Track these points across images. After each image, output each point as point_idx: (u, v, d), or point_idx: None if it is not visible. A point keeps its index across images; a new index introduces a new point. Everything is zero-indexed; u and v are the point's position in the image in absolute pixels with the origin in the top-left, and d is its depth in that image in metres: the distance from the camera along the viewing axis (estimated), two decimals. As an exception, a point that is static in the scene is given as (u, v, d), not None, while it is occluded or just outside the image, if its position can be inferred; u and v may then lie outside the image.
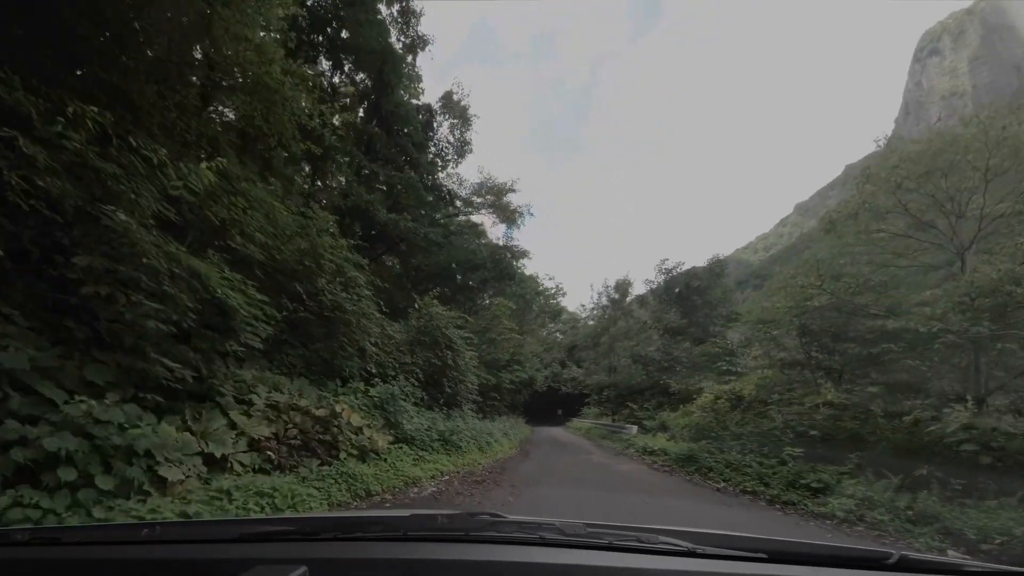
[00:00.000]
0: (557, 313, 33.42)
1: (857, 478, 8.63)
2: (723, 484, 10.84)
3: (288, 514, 5.11)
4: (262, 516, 4.72)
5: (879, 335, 12.38)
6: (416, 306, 13.31)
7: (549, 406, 37.43)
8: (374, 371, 10.36)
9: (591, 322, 39.55)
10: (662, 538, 1.25)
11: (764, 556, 1.21)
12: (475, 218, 25.24)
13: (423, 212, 21.60)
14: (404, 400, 10.22)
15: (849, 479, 8.54)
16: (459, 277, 21.08)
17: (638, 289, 36.75)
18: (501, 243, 25.05)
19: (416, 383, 11.32)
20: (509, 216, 24.26)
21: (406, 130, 21.12)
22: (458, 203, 25.06)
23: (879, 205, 12.84)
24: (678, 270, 30.94)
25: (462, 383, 13.57)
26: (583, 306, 48.30)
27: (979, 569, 1.31)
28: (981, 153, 10.49)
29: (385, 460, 8.34)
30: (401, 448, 9.20)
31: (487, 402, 18.73)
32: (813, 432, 10.71)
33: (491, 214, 24.87)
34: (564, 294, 34.57)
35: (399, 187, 21.09)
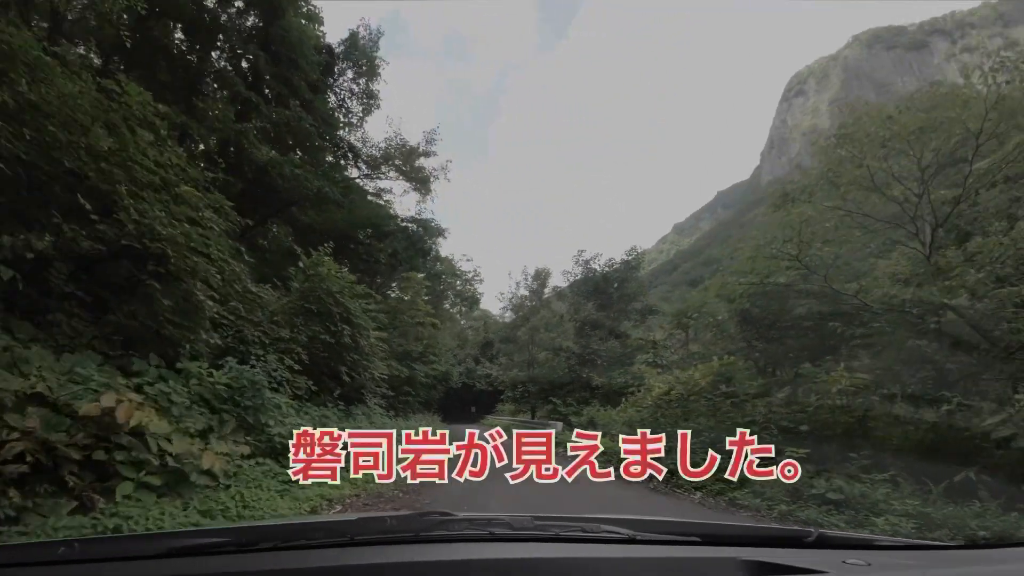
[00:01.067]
0: (474, 301, 30.46)
1: (876, 485, 6.80)
2: (699, 494, 8.70)
3: None
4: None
5: (847, 316, 11.16)
6: (300, 264, 9.66)
7: (463, 403, 34.77)
8: (220, 343, 6.71)
9: (508, 312, 37.35)
10: (604, 527, 1.31)
11: (697, 539, 1.28)
12: (383, 184, 21.53)
13: (321, 170, 17.66)
14: (275, 390, 6.77)
15: (880, 488, 6.64)
16: (363, 247, 17.45)
17: (556, 280, 35.16)
18: (414, 215, 21.60)
19: (296, 367, 7.82)
20: (422, 182, 20.86)
21: (299, 64, 16.94)
22: (362, 165, 21.17)
23: (846, 175, 11.57)
24: (595, 261, 29.61)
25: (367, 371, 10.15)
26: (501, 294, 46.09)
27: (887, 543, 1.40)
28: (978, 110, 9.35)
29: (227, 488, 4.95)
30: (263, 465, 5.80)
31: (400, 397, 15.38)
32: (803, 428, 8.89)
33: (401, 179, 21.23)
34: (481, 280, 31.69)
35: (287, 136, 16.95)
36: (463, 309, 34.38)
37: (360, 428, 8.68)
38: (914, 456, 7.39)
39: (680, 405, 13.96)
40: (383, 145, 20.75)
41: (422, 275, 21.26)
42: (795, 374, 14.56)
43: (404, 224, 21.09)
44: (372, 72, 20.59)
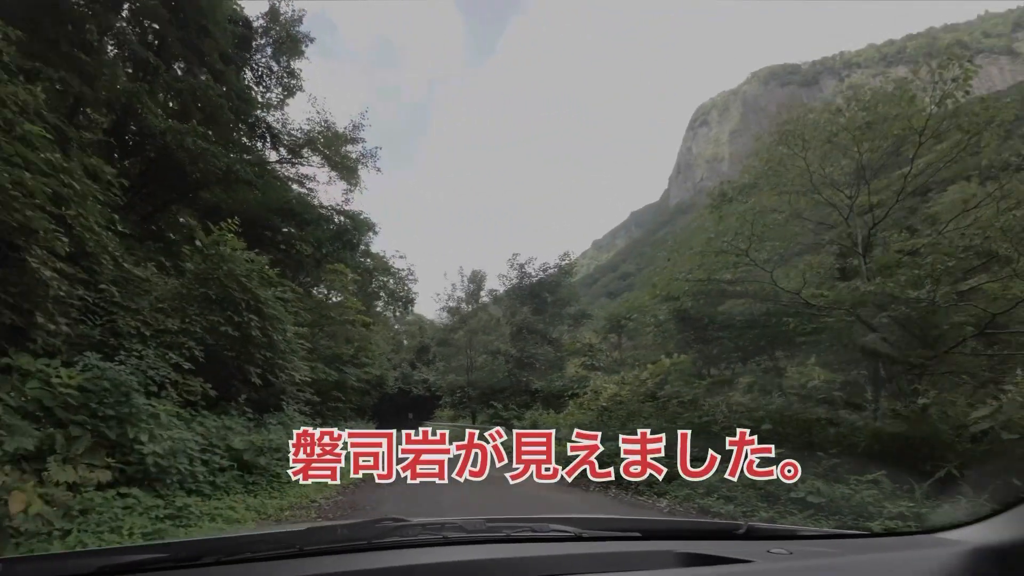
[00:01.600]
0: (409, 301, 28.71)
1: (860, 487, 6.36)
2: (665, 503, 7.99)
3: None
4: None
5: (787, 313, 11.05)
6: (197, 243, 7.87)
7: (400, 409, 33.01)
8: (70, 331, 5.00)
9: (444, 314, 36.00)
10: (552, 526, 1.34)
11: (639, 535, 1.34)
12: (307, 170, 19.46)
13: (233, 154, 15.52)
14: (153, 395, 5.18)
15: (864, 489, 6.17)
16: (282, 236, 15.56)
17: (492, 283, 34.35)
18: (341, 205, 19.66)
19: (188, 365, 6.16)
20: (348, 170, 19.05)
21: (210, 31, 14.78)
22: (282, 149, 19.02)
23: (786, 173, 11.54)
24: (530, 265, 29.17)
25: (283, 371, 8.52)
26: (437, 295, 44.58)
27: (812, 533, 1.45)
28: (923, 106, 9.50)
29: (65, 535, 3.44)
30: (127, 496, 4.25)
31: (328, 404, 13.58)
32: (765, 427, 8.43)
33: (326, 167, 19.25)
34: (416, 280, 29.99)
35: (194, 108, 14.72)
36: (397, 312, 32.54)
37: (273, 442, 7.18)
38: (883, 453, 7.10)
39: (626, 407, 13.43)
40: (306, 127, 18.76)
41: (352, 275, 19.45)
42: (732, 373, 14.53)
43: (329, 213, 19.17)
44: (294, 49, 18.62)
